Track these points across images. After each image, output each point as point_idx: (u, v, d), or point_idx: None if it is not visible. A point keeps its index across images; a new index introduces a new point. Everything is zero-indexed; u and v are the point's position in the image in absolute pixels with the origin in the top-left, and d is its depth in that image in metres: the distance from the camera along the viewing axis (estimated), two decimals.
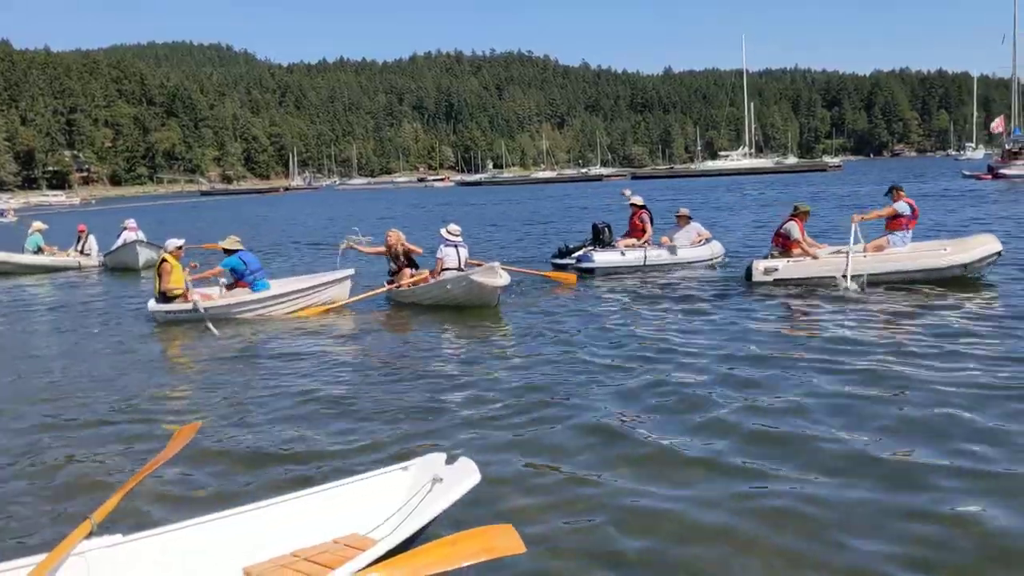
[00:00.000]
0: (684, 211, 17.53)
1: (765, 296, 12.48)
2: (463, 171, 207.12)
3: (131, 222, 23.12)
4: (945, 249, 12.89)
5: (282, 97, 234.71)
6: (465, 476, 4.40)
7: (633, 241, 16.49)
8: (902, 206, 13.26)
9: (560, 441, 6.38)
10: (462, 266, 13.32)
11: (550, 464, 5.89)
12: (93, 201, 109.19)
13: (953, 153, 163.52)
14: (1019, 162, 56.58)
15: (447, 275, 12.97)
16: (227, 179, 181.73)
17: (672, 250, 16.28)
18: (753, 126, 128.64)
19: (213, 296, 13.02)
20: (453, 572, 3.67)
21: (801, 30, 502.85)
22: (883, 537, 4.54)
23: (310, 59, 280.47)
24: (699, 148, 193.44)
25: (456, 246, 13.50)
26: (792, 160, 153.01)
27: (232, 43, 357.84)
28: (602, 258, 15.89)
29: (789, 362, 8.43)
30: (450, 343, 10.69)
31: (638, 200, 16.95)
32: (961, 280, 12.47)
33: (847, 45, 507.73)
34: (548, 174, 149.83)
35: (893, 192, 13.58)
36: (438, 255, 13.44)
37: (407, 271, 13.63)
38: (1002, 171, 55.01)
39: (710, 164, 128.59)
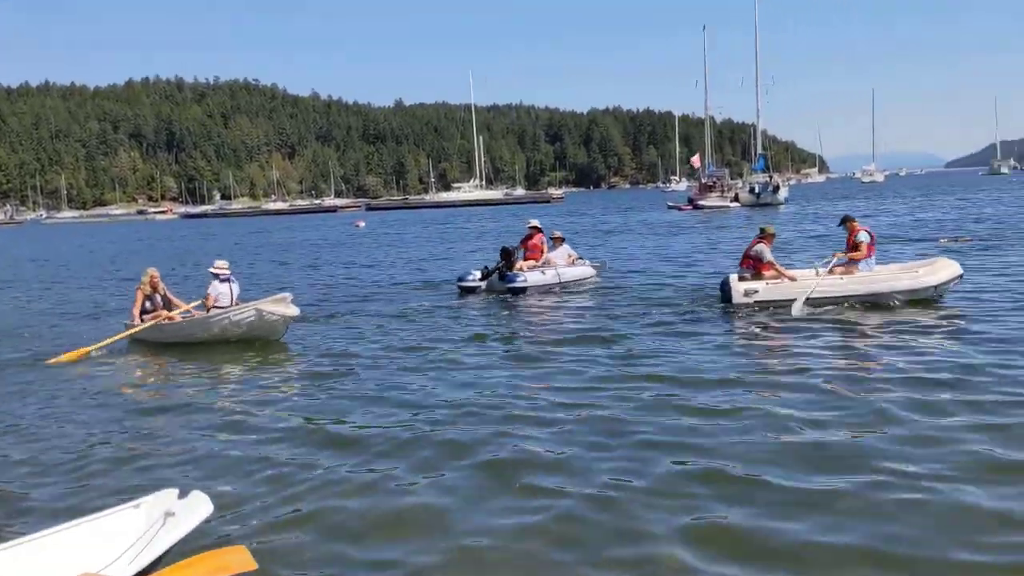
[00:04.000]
0: (558, 233, 18.72)
1: (750, 317, 12.48)
2: (187, 203, 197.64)
3: None
4: (918, 271, 13.26)
5: None
6: (197, 508, 4.60)
7: (532, 262, 17.31)
8: (863, 236, 13.63)
9: (293, 468, 6.59)
10: (234, 302, 12.69)
11: (290, 490, 6.11)
12: None
13: (661, 185, 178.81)
14: (713, 194, 63.32)
15: (218, 311, 12.31)
16: None
17: (568, 270, 17.40)
18: (483, 159, 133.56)
19: None
20: None
21: (525, 69, 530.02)
22: None
23: (9, 82, 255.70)
24: (432, 179, 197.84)
25: (228, 281, 12.92)
26: (520, 191, 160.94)
27: None
28: (532, 278, 16.64)
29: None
30: (214, 379, 10.34)
31: (536, 222, 18.06)
32: (930, 300, 12.93)
33: (566, 84, 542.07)
34: (280, 205, 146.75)
35: (847, 224, 13.96)
36: (209, 291, 12.71)
37: (163, 313, 12.80)
38: (700, 202, 61.32)
39: (444, 195, 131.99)
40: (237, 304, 12.60)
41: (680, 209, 61.75)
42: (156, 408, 8.98)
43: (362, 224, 62.91)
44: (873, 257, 13.81)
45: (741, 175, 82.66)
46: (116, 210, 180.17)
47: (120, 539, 4.66)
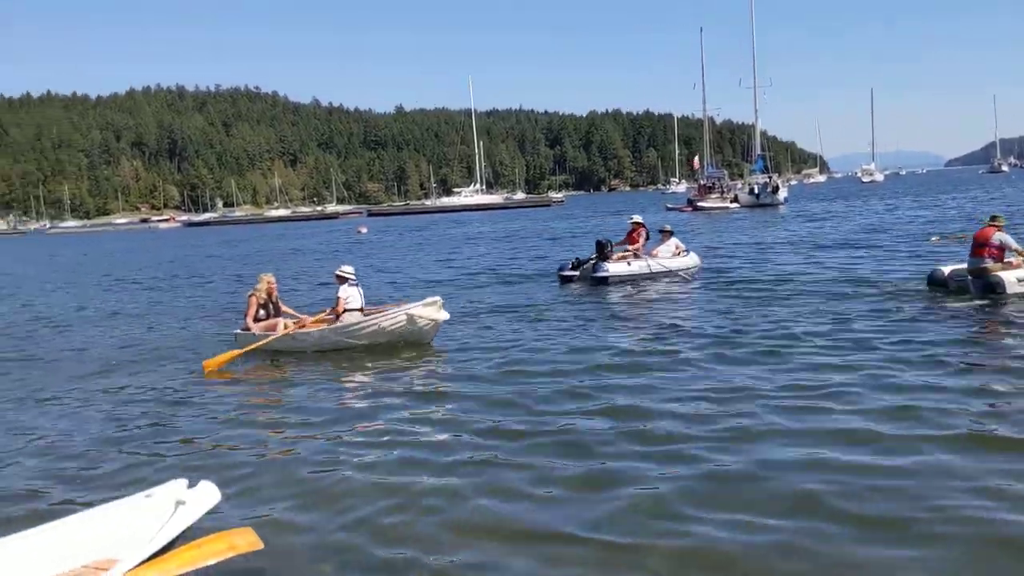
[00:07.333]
0: (667, 227, 20.21)
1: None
2: (190, 211, 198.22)
3: None
4: None
5: None
6: (206, 497, 4.91)
7: (627, 250, 18.97)
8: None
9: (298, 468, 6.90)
10: (364, 306, 12.69)
11: (310, 483, 6.45)
12: None
13: (661, 187, 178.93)
14: (713, 196, 63.59)
15: (352, 317, 12.19)
16: None
17: (662, 262, 18.75)
18: (483, 164, 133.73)
19: None
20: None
21: (523, 73, 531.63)
22: None
23: (11, 92, 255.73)
24: (433, 185, 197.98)
25: (357, 285, 12.72)
26: (521, 196, 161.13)
27: None
28: (614, 268, 18.22)
29: None
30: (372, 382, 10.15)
31: (638, 218, 19.75)
32: None
33: (566, 88, 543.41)
34: (282, 212, 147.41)
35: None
36: (340, 295, 12.41)
37: (280, 321, 12.48)
38: (699, 204, 61.61)
39: (445, 200, 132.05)
40: (369, 309, 12.59)
41: (680, 211, 61.95)
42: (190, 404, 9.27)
43: (364, 230, 63.30)
44: None
45: (741, 176, 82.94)
46: (119, 219, 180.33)
47: (133, 526, 4.94)
